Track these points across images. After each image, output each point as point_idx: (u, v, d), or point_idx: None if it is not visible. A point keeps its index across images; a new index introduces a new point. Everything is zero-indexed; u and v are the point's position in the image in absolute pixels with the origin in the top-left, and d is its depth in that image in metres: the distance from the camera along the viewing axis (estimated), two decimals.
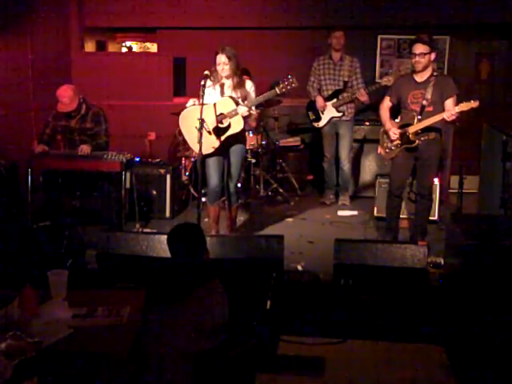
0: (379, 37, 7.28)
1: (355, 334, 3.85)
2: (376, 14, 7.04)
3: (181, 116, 4.83)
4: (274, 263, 3.92)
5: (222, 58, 4.66)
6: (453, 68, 7.16)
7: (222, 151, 4.82)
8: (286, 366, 3.62)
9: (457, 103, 4.44)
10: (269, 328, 3.49)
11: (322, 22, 7.02)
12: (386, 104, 4.83)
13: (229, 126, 4.68)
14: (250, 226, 5.56)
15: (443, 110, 4.47)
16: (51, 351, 2.39)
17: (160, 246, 3.99)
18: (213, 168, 4.84)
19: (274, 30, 7.30)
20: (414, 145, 4.64)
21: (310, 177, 6.93)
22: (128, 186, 5.25)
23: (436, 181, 5.24)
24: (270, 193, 6.45)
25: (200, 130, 4.42)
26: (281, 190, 6.42)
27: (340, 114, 6.11)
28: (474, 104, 4.32)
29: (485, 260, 3.57)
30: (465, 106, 4.34)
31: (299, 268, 4.48)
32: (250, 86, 4.78)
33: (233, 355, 2.50)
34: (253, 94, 4.76)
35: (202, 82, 4.46)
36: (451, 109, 4.40)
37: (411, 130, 4.60)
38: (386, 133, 4.79)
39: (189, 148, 5.04)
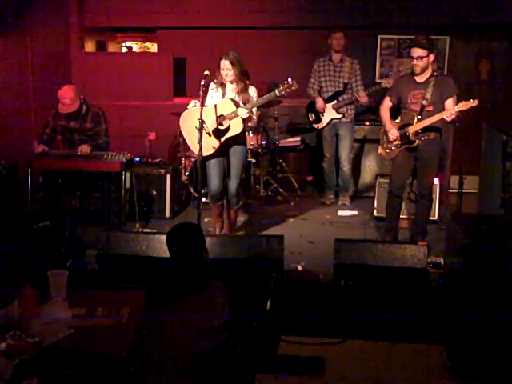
0: (379, 37, 7.27)
1: (355, 334, 3.85)
2: (376, 14, 7.04)
3: (181, 117, 4.84)
4: (273, 263, 3.92)
5: (225, 64, 4.67)
6: (453, 68, 7.16)
7: (223, 152, 4.83)
8: (286, 366, 3.62)
9: (457, 103, 4.44)
10: (269, 328, 3.49)
11: (322, 22, 7.02)
12: (386, 104, 4.83)
13: (228, 128, 4.69)
14: (250, 225, 5.56)
15: (443, 110, 4.47)
16: (51, 351, 2.39)
17: (160, 245, 3.98)
18: (214, 171, 4.85)
19: (274, 29, 7.30)
20: (414, 145, 4.64)
21: (310, 178, 6.93)
22: (128, 185, 5.25)
23: (436, 181, 5.24)
24: (270, 193, 6.45)
25: (200, 130, 4.42)
26: (281, 190, 6.43)
27: (340, 116, 6.11)
28: (473, 103, 4.32)
29: (485, 260, 3.57)
30: (464, 106, 4.34)
31: (299, 268, 4.48)
32: (253, 91, 4.80)
33: (233, 355, 2.50)
34: (255, 100, 4.77)
35: (202, 82, 4.47)
36: (451, 108, 4.41)
37: (411, 129, 4.60)
38: (387, 133, 4.78)
39: (189, 148, 5.04)
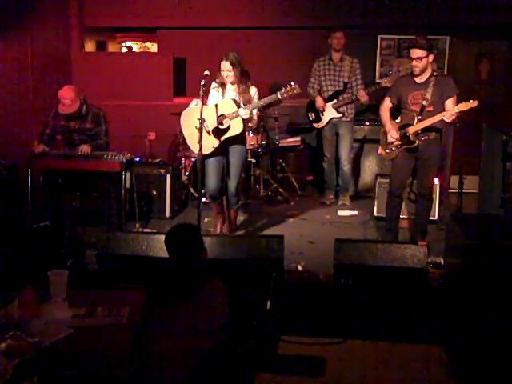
0: (379, 37, 7.27)
1: (355, 334, 3.84)
2: (376, 14, 7.03)
3: (182, 115, 4.86)
4: (273, 263, 3.92)
5: (225, 65, 4.68)
6: (453, 68, 7.15)
7: (222, 152, 4.83)
8: (286, 366, 3.62)
9: (457, 103, 4.44)
10: (269, 328, 3.49)
11: (322, 22, 7.01)
12: (386, 104, 4.83)
13: (228, 128, 4.70)
14: (250, 225, 5.56)
15: (443, 110, 4.47)
16: (51, 351, 2.39)
17: (160, 245, 3.98)
18: (211, 171, 4.85)
19: (274, 29, 7.29)
20: (414, 145, 4.64)
21: (310, 177, 6.94)
22: (128, 185, 5.25)
23: (436, 181, 5.24)
24: (269, 193, 6.45)
25: (200, 129, 4.43)
26: (281, 190, 6.42)
27: (340, 115, 6.11)
28: (473, 104, 4.32)
29: (485, 260, 3.58)
30: (464, 106, 4.34)
31: (299, 268, 4.48)
32: (254, 92, 4.80)
33: (233, 355, 2.50)
34: (256, 100, 4.77)
35: (203, 82, 4.47)
36: (451, 109, 4.41)
37: (411, 130, 4.60)
38: (386, 133, 4.78)
39: (189, 148, 5.04)
